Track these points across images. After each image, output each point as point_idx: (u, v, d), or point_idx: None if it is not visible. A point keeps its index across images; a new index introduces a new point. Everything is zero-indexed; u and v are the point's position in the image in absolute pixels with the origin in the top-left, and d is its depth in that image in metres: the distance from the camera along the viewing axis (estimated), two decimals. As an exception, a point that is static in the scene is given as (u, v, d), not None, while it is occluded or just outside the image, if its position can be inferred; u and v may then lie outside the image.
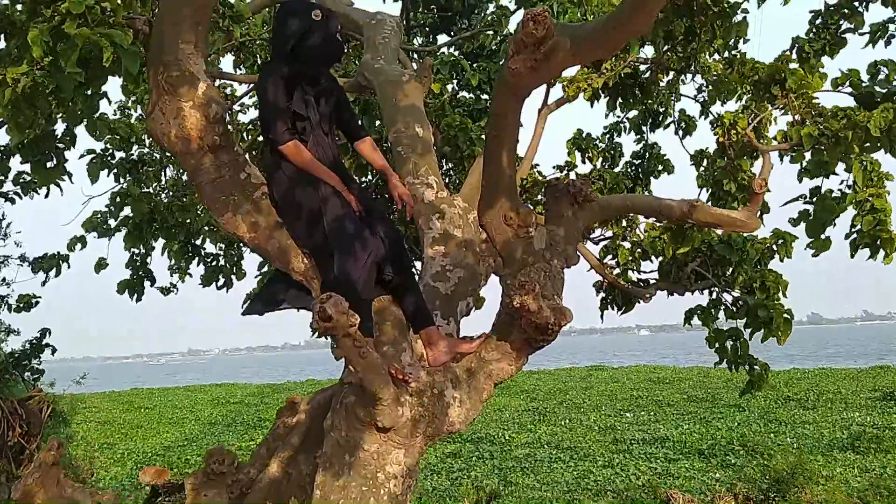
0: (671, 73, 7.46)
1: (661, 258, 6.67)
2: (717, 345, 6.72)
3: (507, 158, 3.57)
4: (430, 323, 3.83)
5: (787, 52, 6.91)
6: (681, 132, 8.17)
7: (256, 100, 3.91)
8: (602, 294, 7.45)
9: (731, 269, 6.42)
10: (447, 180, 8.03)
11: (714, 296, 7.11)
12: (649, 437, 16.28)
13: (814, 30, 7.09)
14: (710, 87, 7.33)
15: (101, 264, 8.21)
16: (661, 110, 8.53)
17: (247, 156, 4.09)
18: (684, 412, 19.67)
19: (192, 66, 3.86)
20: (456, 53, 8.79)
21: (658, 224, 6.56)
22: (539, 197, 7.34)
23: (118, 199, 6.69)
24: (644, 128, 8.68)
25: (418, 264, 5.39)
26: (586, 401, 22.45)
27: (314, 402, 4.39)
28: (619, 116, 8.75)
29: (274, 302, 3.92)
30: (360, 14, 6.75)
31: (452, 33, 9.32)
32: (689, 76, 7.35)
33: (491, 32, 9.02)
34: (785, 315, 6.22)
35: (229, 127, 4.00)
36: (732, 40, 6.52)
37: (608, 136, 8.47)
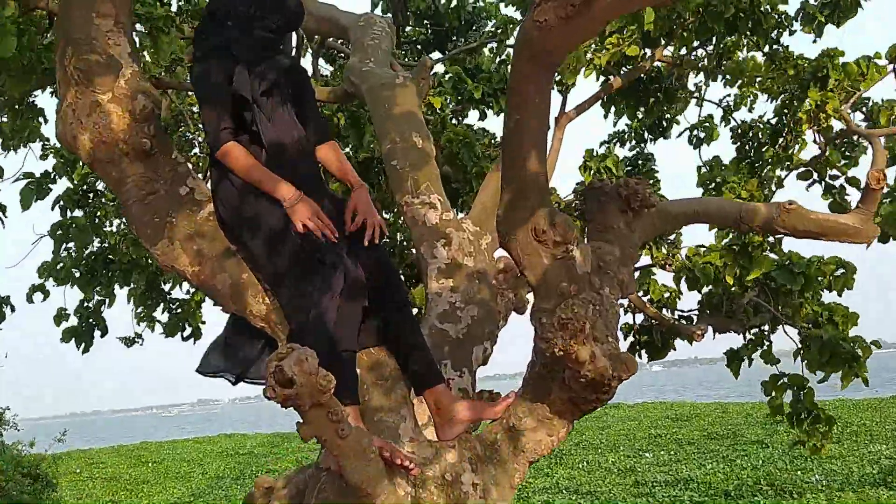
0: (698, 74, 6.55)
1: (708, 289, 5.61)
2: (772, 393, 5.62)
3: (533, 151, 2.59)
4: (437, 380, 2.82)
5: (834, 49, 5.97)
6: (695, 140, 7.21)
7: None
8: (633, 335, 6.37)
9: (789, 299, 5.38)
10: (452, 205, 7.08)
11: (765, 331, 6.06)
12: (672, 479, 15.22)
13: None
14: (742, 87, 6.39)
15: (61, 315, 7.15)
16: (667, 117, 7.58)
17: (189, 164, 3.11)
18: (706, 450, 18.61)
19: (112, 46, 2.91)
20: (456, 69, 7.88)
21: (703, 246, 5.56)
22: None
23: (59, 232, 5.66)
24: (646, 135, 7.73)
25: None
26: (603, 441, 21.30)
27: (291, 485, 3.31)
28: (627, 125, 7.82)
29: (208, 365, 2.91)
30: (346, 16, 5.86)
31: (447, 52, 8.43)
32: (720, 76, 6.42)
33: (493, 46, 8.13)
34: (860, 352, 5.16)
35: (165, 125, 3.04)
36: (775, 32, 5.60)
37: (607, 144, 7.54)
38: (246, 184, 2.78)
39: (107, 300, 6.43)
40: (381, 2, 8.22)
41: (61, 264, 6.00)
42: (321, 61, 7.74)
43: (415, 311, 6.43)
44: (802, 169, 5.58)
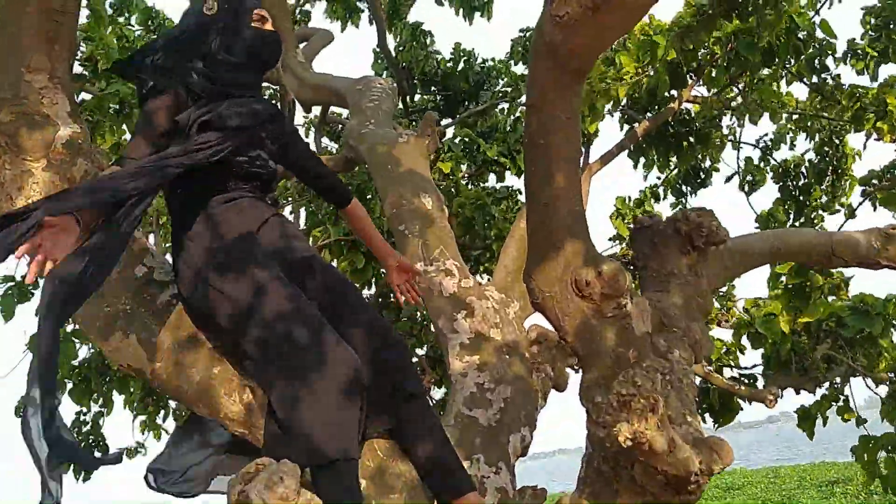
0: (732, 115, 6.02)
1: (768, 343, 4.90)
2: (864, 457, 4.83)
3: (564, 183, 2.03)
4: (466, 486, 2.18)
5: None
6: (747, 185, 6.61)
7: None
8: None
9: (867, 347, 4.66)
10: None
11: (837, 385, 5.32)
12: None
13: (871, 31, 5.62)
14: (776, 118, 5.84)
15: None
16: (705, 166, 7.03)
17: (149, 238, 2.57)
18: (764, 522, 17.32)
19: (46, 105, 2.42)
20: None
21: (762, 298, 4.89)
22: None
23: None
24: (685, 188, 7.14)
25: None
26: (651, 518, 19.96)
27: None
28: (659, 178, 7.26)
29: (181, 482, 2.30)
30: (342, 81, 5.46)
31: (458, 116, 8.02)
32: (756, 115, 5.88)
33: (505, 106, 7.72)
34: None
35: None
36: (818, 59, 5.08)
37: (643, 202, 6.94)
38: (210, 247, 2.23)
39: (104, 411, 5.84)
40: (385, 70, 7.88)
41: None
42: (325, 139, 7.37)
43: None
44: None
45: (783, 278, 4.25)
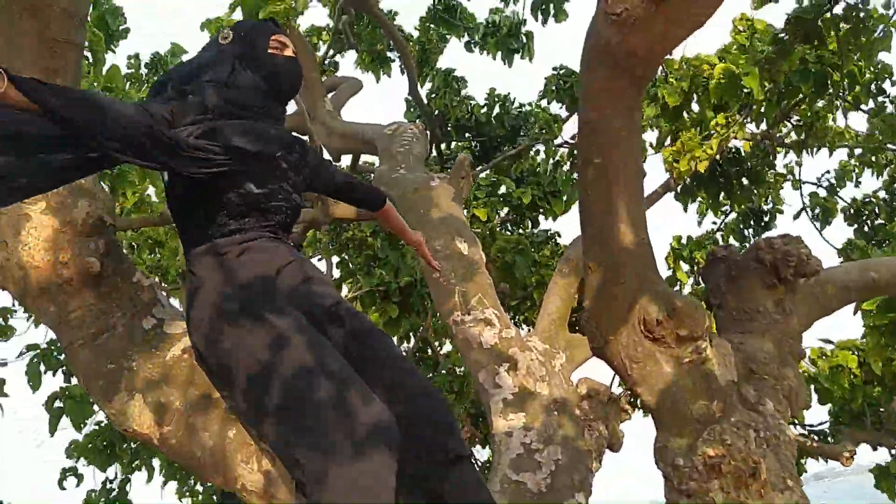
0: (787, 152, 5.69)
1: (836, 398, 4.45)
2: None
3: (627, 203, 1.75)
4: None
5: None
6: (819, 218, 6.20)
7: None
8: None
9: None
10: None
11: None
12: None
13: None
14: (831, 146, 5.49)
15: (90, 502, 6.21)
16: (765, 207, 6.66)
17: (157, 289, 2.32)
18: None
19: (48, 143, 2.21)
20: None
21: (830, 342, 4.48)
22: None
23: (56, 405, 4.81)
24: (746, 232, 6.75)
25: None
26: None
27: None
28: (715, 222, 6.89)
29: None
30: (371, 129, 5.27)
31: (492, 161, 7.79)
32: (814, 150, 5.54)
33: (541, 148, 7.48)
34: None
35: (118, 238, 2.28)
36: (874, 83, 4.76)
37: (703, 243, 6.53)
38: (222, 290, 1.95)
39: (130, 478, 5.55)
40: (418, 118, 7.71)
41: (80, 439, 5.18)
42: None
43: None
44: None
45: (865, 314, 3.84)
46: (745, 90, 4.56)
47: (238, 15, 4.76)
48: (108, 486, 5.70)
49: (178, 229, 2.11)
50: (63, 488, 6.05)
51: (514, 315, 5.58)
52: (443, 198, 4.04)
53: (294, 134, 2.24)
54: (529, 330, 4.88)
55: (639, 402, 2.08)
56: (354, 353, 1.95)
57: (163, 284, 5.88)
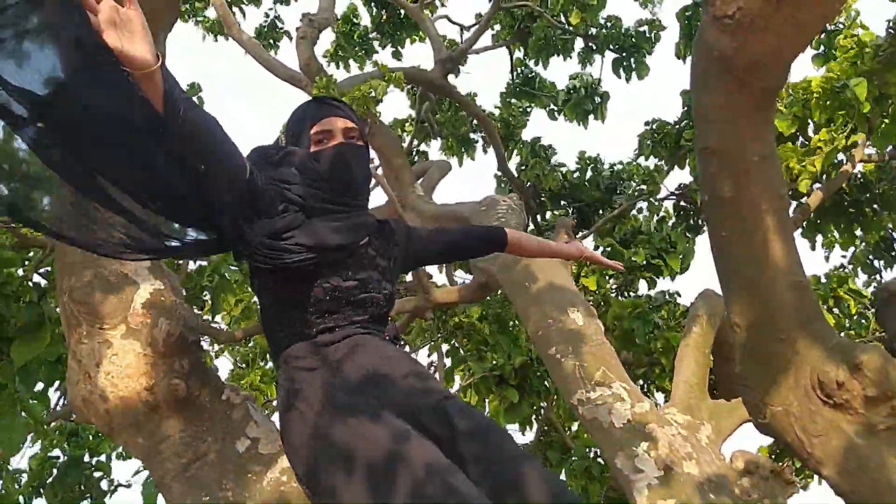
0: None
1: None
2: None
3: (775, 241, 1.43)
4: None
5: None
6: None
7: None
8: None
9: None
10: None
11: None
12: None
13: None
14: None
15: None
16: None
17: (249, 403, 2.12)
18: None
19: (124, 263, 2.09)
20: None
21: None
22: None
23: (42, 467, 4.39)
24: (877, 263, 6.09)
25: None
26: None
27: None
28: (844, 255, 6.27)
29: None
30: (465, 207, 5.10)
31: (594, 226, 7.46)
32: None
33: (643, 205, 7.12)
34: None
35: (206, 345, 2.11)
36: None
37: (845, 280, 5.90)
38: (323, 407, 1.71)
39: None
40: (510, 192, 7.53)
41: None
42: (458, 272, 6.99)
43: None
44: None
45: None
46: (851, 104, 4.14)
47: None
48: None
49: (266, 333, 1.92)
50: None
51: (643, 385, 5.14)
52: (548, 268, 3.76)
53: (377, 218, 2.03)
54: (665, 401, 4.44)
55: (818, 478, 1.68)
56: (472, 455, 1.67)
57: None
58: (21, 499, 3.87)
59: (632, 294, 6.03)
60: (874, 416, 1.42)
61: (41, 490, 3.85)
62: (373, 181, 6.08)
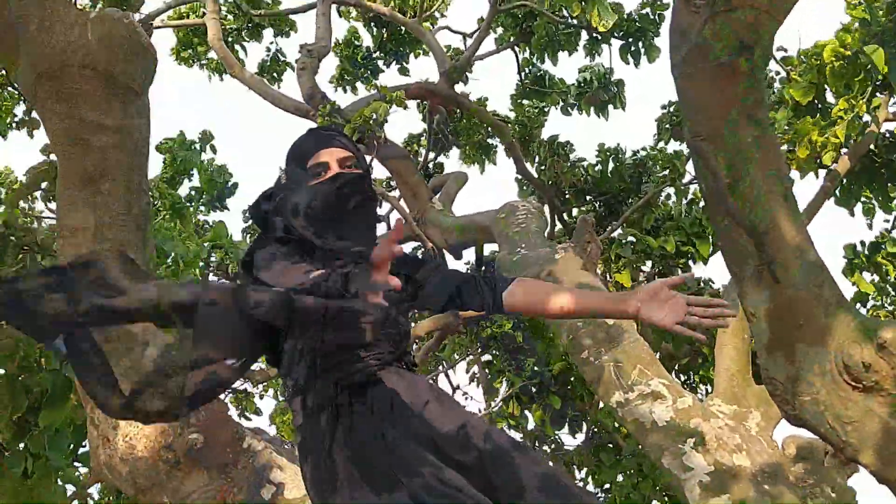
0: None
1: None
2: None
3: (776, 223, 1.35)
4: None
5: None
6: None
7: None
8: None
9: None
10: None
11: None
12: None
13: None
14: None
15: None
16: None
17: (268, 446, 2.08)
18: None
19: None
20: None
21: None
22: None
23: None
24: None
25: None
26: None
27: None
28: (888, 220, 6.04)
29: None
30: (484, 216, 5.03)
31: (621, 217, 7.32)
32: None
33: (671, 191, 6.97)
34: None
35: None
36: None
37: (881, 243, 5.64)
38: (338, 455, 1.66)
39: None
40: (532, 194, 7.45)
41: None
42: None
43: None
44: None
45: None
46: (868, 70, 3.99)
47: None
48: None
49: (282, 379, 1.87)
50: None
51: (688, 377, 4.98)
52: (571, 268, 3.68)
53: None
54: (708, 392, 4.32)
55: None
56: (494, 480, 1.61)
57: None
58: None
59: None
60: (908, 397, 1.33)
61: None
62: (384, 204, 6.05)
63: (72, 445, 2.72)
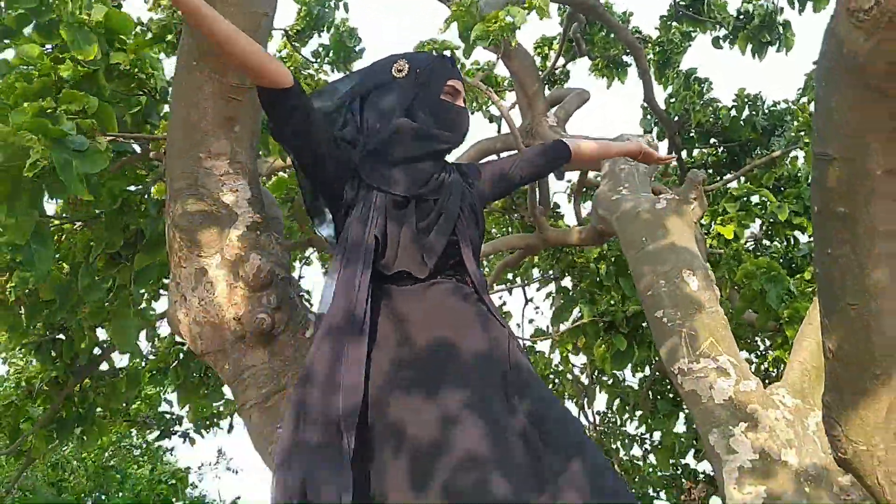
0: None
1: None
2: None
3: (883, 273, 1.25)
4: None
5: None
6: None
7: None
8: None
9: None
10: (754, 369, 5.37)
11: None
12: None
13: None
14: None
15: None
16: None
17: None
18: None
19: (226, 193, 2.15)
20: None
21: None
22: None
23: None
24: None
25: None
26: None
27: None
28: None
29: None
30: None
31: (741, 169, 6.96)
32: None
33: (800, 154, 6.57)
34: None
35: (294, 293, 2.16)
36: None
37: None
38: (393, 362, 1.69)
39: None
40: (655, 125, 7.15)
41: None
42: (587, 204, 6.80)
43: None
44: None
45: None
46: None
47: (453, 30, 4.64)
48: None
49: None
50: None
51: (763, 351, 4.83)
52: (670, 223, 3.56)
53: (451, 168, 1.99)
54: (776, 374, 4.19)
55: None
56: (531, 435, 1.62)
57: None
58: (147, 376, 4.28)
59: (770, 250, 5.62)
60: (974, 480, 1.26)
61: (166, 372, 4.22)
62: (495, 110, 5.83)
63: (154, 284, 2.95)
